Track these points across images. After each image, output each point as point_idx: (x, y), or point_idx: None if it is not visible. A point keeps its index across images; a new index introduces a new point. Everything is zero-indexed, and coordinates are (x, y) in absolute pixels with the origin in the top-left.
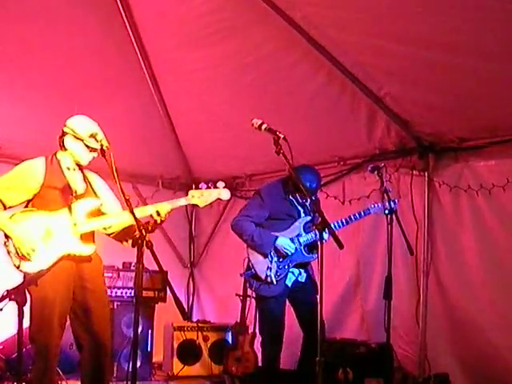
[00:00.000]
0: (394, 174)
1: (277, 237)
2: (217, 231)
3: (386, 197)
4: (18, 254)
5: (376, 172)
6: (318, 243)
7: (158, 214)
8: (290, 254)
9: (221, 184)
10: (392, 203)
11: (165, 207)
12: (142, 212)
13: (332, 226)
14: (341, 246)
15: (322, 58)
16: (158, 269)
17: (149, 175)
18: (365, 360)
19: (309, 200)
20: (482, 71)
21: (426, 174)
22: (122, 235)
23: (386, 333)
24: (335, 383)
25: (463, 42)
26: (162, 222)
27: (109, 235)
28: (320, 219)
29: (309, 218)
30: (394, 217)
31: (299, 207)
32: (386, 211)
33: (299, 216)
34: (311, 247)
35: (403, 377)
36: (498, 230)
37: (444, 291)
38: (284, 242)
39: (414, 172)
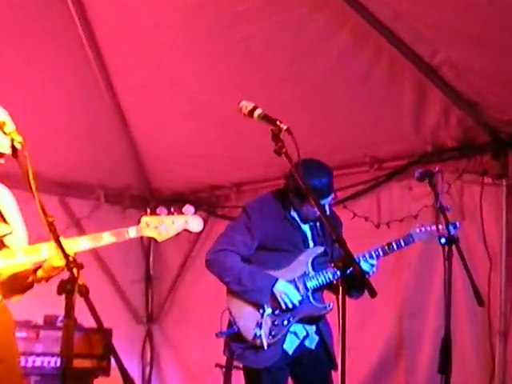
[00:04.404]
0: (456, 182)
1: (276, 279)
2: (187, 269)
3: (442, 217)
4: None
5: (427, 180)
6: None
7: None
8: (292, 306)
9: (189, 209)
10: (451, 227)
11: (74, 246)
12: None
13: (358, 261)
14: (373, 293)
15: (346, 9)
16: (97, 326)
17: (85, 184)
18: None
19: (319, 212)
20: None
21: (505, 182)
22: (11, 286)
23: None
24: None
25: None
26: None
27: None
28: (341, 249)
29: (321, 248)
30: (454, 248)
31: (306, 230)
32: (443, 240)
33: (306, 245)
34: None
35: None
36: None
37: None
38: (286, 288)
39: (486, 179)
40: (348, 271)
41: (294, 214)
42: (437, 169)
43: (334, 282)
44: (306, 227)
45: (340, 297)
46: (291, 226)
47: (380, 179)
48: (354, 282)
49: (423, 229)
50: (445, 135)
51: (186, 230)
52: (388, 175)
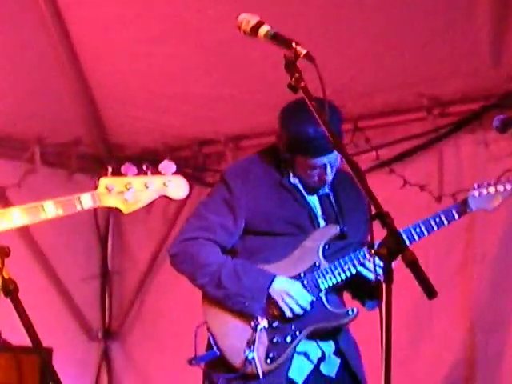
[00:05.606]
0: None
1: (274, 275)
2: (161, 262)
3: None
4: None
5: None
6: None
7: None
8: (302, 312)
9: (168, 167)
10: None
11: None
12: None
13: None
14: (431, 292)
15: None
16: (31, 343)
17: (13, 139)
18: None
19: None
20: None
21: None
22: None
23: None
24: None
25: None
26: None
27: None
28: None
29: (336, 228)
30: None
31: (313, 203)
32: None
33: (314, 224)
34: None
35: None
36: None
37: None
38: (290, 286)
39: None
40: (394, 261)
41: (294, 180)
42: None
43: (374, 278)
44: (313, 198)
45: (384, 299)
46: (291, 198)
47: (443, 130)
48: (366, 285)
49: (485, 190)
50: None
51: (165, 197)
52: (454, 125)
